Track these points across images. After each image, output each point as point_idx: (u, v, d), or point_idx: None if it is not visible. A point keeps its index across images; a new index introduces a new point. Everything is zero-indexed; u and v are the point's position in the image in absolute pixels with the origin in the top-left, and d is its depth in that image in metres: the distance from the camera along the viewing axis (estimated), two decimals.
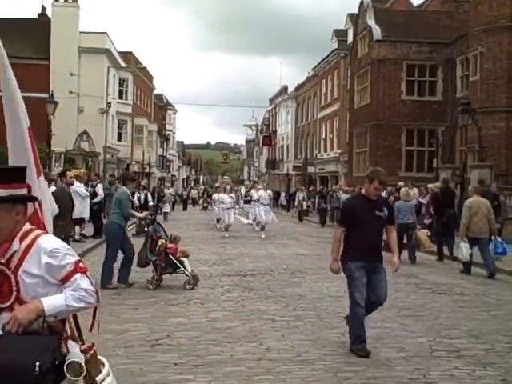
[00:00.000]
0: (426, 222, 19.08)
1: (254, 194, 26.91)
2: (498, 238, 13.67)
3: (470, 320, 8.23)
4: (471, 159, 25.27)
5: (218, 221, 24.06)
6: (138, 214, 12.30)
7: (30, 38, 37.92)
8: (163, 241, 10.55)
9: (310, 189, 39.48)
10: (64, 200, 10.17)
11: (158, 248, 10.42)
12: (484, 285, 11.49)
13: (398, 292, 10.27)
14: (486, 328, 7.77)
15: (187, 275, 10.46)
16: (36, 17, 43.02)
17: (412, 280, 11.78)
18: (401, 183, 23.48)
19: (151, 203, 23.63)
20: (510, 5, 24.07)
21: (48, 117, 23.47)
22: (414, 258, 14.80)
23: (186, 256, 10.86)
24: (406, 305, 9.21)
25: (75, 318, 3.30)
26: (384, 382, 5.59)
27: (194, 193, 61.48)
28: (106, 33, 41.57)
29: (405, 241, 15.10)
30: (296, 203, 34.94)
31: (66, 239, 10.14)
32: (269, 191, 24.54)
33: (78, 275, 3.02)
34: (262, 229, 22.04)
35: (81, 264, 3.09)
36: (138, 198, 22.55)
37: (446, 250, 15.56)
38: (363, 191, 7.00)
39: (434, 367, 6.04)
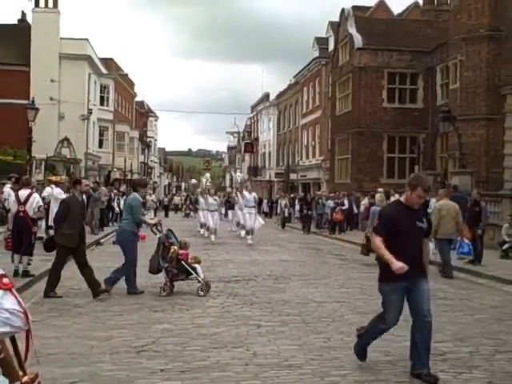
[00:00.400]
0: None
1: (238, 197, 26.45)
2: (465, 240, 14.49)
3: (454, 324, 8.29)
4: (452, 166, 25.55)
5: (201, 225, 23.81)
6: (149, 221, 12.12)
7: (9, 44, 37.71)
8: (175, 247, 10.51)
9: (292, 195, 39.32)
10: (76, 209, 10.09)
11: (170, 255, 10.37)
12: (467, 289, 11.59)
13: (381, 297, 10.31)
14: (470, 331, 7.84)
15: (200, 281, 10.42)
16: (16, 22, 42.72)
17: None
18: (380, 189, 23.64)
19: None
20: (489, 15, 24.44)
21: (29, 123, 23.26)
22: None
23: (198, 262, 10.82)
24: None
25: (14, 342, 2.72)
26: None
27: (176, 199, 61.22)
28: (86, 39, 41.42)
29: None
30: (278, 210, 34.71)
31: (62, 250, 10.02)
32: (254, 193, 23.46)
33: (0, 292, 2.50)
34: (248, 233, 20.98)
35: (4, 280, 2.53)
36: (118, 204, 22.48)
37: None
38: (402, 199, 6.30)
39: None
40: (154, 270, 10.62)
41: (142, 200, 11.65)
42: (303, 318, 8.47)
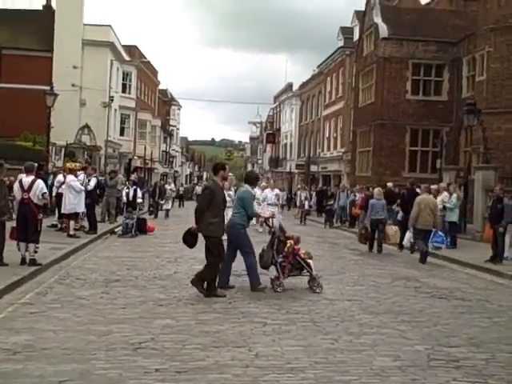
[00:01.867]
0: None
1: (258, 193, 25.00)
2: (439, 232, 16.54)
3: (470, 327, 7.89)
4: (475, 161, 24.89)
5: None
6: (263, 214, 11.73)
7: (33, 30, 37.77)
8: (292, 242, 10.25)
9: (313, 188, 38.36)
10: (220, 196, 9.64)
11: (286, 249, 10.13)
12: (486, 290, 11.14)
13: (396, 296, 9.96)
14: (487, 336, 7.44)
15: (314, 278, 10.19)
16: (40, 8, 42.73)
17: (411, 283, 11.44)
18: (389, 184, 23.20)
19: (140, 200, 22.35)
20: None
21: (48, 109, 23.15)
22: (380, 249, 16.76)
23: (311, 257, 10.57)
24: (404, 310, 8.86)
25: None
26: None
27: (198, 189, 60.88)
28: (110, 26, 41.30)
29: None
30: (298, 203, 32.48)
31: None
32: (276, 190, 21.45)
33: None
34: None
35: None
36: (127, 194, 21.48)
37: None
38: None
39: (430, 378, 5.71)
40: (267, 264, 10.29)
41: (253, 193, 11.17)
42: (312, 317, 8.12)
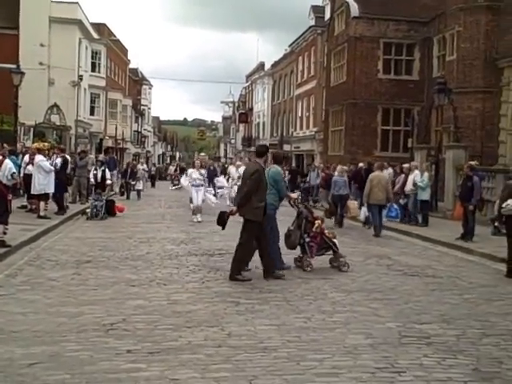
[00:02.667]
0: (401, 202, 18.94)
1: (233, 171, 24.52)
2: (394, 205, 18.05)
3: (441, 304, 7.98)
4: (446, 139, 25.12)
5: (190, 200, 20.14)
6: (292, 195, 11.60)
7: None
8: (319, 222, 10.29)
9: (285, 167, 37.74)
10: (265, 180, 9.55)
11: (314, 229, 10.15)
12: (457, 267, 11.28)
13: (368, 274, 10.04)
14: (458, 312, 7.53)
15: (340, 256, 10.37)
16: None
17: (383, 261, 11.54)
18: (361, 164, 23.38)
19: (109, 181, 21.00)
20: None
21: (15, 88, 22.62)
22: (341, 222, 18.05)
23: (335, 237, 10.64)
24: (376, 287, 8.92)
25: None
26: (349, 371, 5.27)
27: (171, 169, 60.07)
28: (77, 3, 40.47)
29: None
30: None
31: None
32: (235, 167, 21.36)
33: None
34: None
35: None
36: (95, 176, 20.08)
37: None
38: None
39: (402, 355, 5.75)
40: (295, 244, 10.33)
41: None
42: (285, 296, 8.13)
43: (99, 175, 20.03)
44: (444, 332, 6.61)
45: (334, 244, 10.40)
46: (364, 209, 17.61)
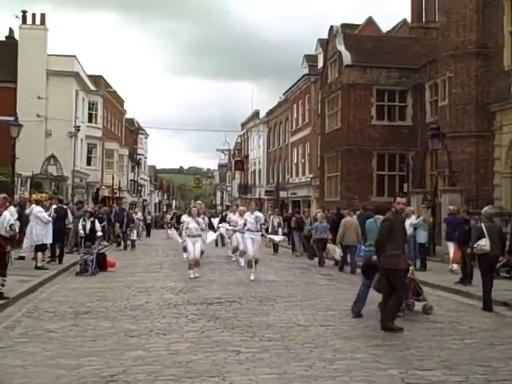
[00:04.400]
0: None
1: (235, 218, 20.86)
2: (363, 246, 18.05)
3: (442, 349, 7.92)
4: (441, 184, 25.30)
5: (184, 249, 18.12)
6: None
7: None
8: (412, 268, 10.63)
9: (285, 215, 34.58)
10: (400, 228, 9.77)
11: (409, 275, 10.43)
12: (457, 311, 11.23)
13: (368, 320, 9.97)
14: (460, 358, 7.47)
15: (425, 300, 10.86)
16: (3, 39, 42.42)
17: None
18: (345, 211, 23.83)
19: (100, 233, 19.53)
20: (477, 31, 24.39)
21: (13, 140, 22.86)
22: (322, 263, 20.44)
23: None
24: (377, 334, 8.87)
25: None
26: None
27: (168, 217, 59.87)
28: (74, 56, 41.22)
29: None
30: (270, 229, 25.48)
31: None
32: (257, 213, 17.24)
33: None
34: (250, 265, 16.33)
35: None
36: (83, 227, 18.45)
37: None
38: None
39: None
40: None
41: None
42: (285, 344, 8.07)
43: (88, 227, 18.50)
44: (447, 378, 6.55)
45: (421, 289, 10.87)
46: (339, 250, 19.04)
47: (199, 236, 16.28)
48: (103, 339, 8.24)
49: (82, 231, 18.47)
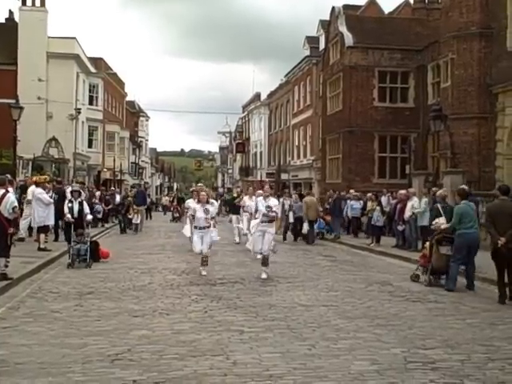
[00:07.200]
0: (400, 228, 18.99)
1: (249, 203, 17.70)
2: (321, 220, 24.01)
3: (445, 329, 7.97)
4: (443, 165, 25.27)
5: (190, 239, 15.38)
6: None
7: None
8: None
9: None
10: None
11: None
12: (459, 292, 11.26)
13: (371, 300, 10.03)
14: (462, 337, 7.52)
15: None
16: (3, 21, 42.17)
17: (385, 288, 11.53)
18: (351, 191, 24.93)
19: (89, 217, 15.65)
20: (480, 12, 24.19)
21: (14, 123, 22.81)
22: (297, 238, 23.21)
23: None
24: (380, 314, 8.92)
25: None
26: None
27: (164, 200, 59.76)
28: (74, 38, 40.95)
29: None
30: (280, 214, 17.22)
31: None
32: (270, 201, 13.36)
33: None
34: (264, 263, 12.90)
35: None
36: (70, 209, 14.84)
37: None
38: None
39: (408, 380, 5.75)
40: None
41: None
42: (288, 324, 8.12)
43: (75, 209, 14.88)
44: (449, 357, 6.60)
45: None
46: (305, 224, 22.29)
47: (208, 227, 13.36)
48: (107, 319, 8.29)
49: (69, 215, 14.75)
